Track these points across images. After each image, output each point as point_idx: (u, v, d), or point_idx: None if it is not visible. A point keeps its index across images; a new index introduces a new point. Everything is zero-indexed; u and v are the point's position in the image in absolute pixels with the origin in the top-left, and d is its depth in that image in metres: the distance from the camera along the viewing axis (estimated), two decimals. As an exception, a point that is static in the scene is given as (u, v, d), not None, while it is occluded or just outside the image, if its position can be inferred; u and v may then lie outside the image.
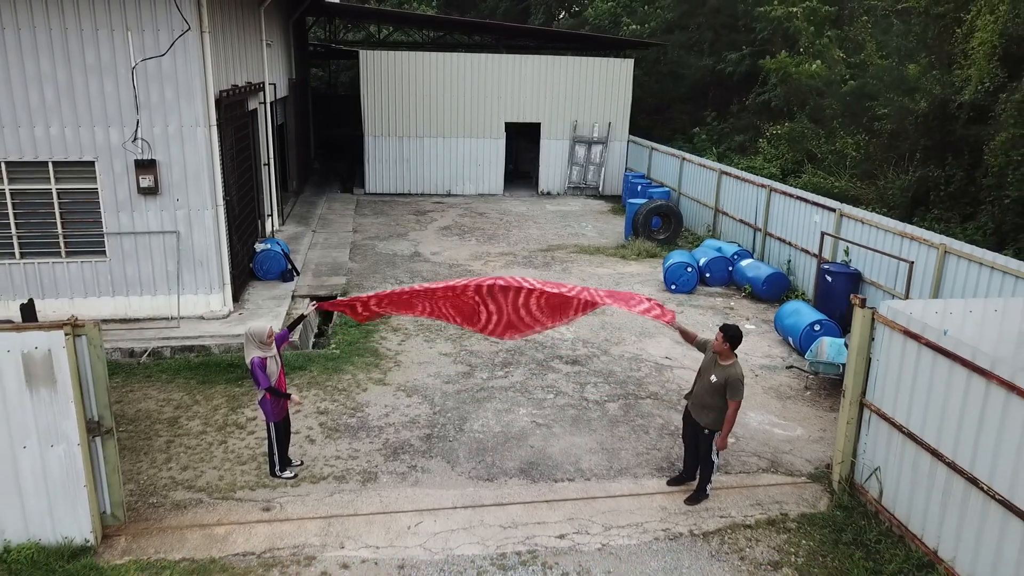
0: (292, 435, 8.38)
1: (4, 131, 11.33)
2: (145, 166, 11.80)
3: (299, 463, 8.27)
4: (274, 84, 19.35)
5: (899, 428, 7.13)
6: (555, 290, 7.54)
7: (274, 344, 7.65)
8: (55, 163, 11.62)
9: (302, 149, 25.94)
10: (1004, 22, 13.51)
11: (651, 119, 28.59)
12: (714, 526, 7.39)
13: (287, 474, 8.04)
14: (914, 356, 6.89)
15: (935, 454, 6.66)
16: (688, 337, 7.83)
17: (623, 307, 7.61)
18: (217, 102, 12.27)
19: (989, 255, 9.83)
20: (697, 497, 7.76)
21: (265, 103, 18.00)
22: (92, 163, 11.71)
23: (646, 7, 28.79)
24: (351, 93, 36.24)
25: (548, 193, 25.24)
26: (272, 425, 7.81)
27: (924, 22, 18.13)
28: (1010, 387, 5.83)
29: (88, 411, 6.62)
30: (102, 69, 11.39)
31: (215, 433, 8.94)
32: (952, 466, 6.45)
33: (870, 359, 7.54)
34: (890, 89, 18.59)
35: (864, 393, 7.64)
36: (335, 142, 33.60)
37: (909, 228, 11.46)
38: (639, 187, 21.08)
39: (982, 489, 6.11)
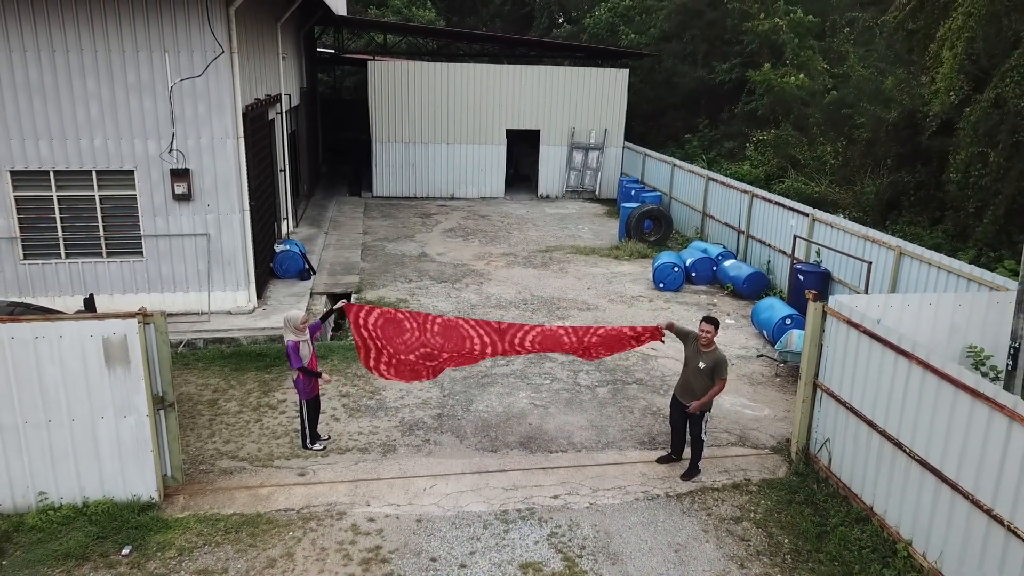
0: (319, 415, 9.58)
1: (53, 143, 12.54)
2: (179, 175, 13.00)
3: (327, 438, 9.47)
4: (288, 95, 20.58)
5: (844, 404, 8.33)
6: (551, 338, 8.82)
7: (308, 330, 8.86)
8: (98, 172, 12.82)
9: (312, 154, 27.17)
10: (970, 37, 14.68)
11: (647, 125, 29.79)
12: (686, 489, 8.59)
13: (317, 446, 9.24)
14: (855, 343, 8.09)
15: (871, 424, 7.86)
16: (667, 327, 8.94)
17: (620, 351, 8.91)
18: (244, 115, 13.46)
19: (938, 257, 11.03)
20: (691, 473, 8.86)
21: (281, 113, 19.22)
22: (132, 172, 12.91)
23: (642, 16, 29.94)
24: (356, 97, 37.41)
25: (547, 197, 26.46)
26: (304, 403, 9.02)
27: (899, 37, 19.31)
28: (925, 366, 7.03)
29: (154, 387, 7.83)
30: (142, 87, 12.59)
31: (251, 413, 10.14)
32: (884, 434, 7.66)
33: (822, 346, 8.74)
34: (867, 100, 19.80)
35: (817, 375, 8.84)
36: (341, 146, 34.73)
37: (871, 232, 12.66)
38: (633, 191, 22.28)
39: (905, 451, 7.32)
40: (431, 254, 18.52)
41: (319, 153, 30.72)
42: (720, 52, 27.15)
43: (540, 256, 18.57)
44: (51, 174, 12.66)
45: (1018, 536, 6.01)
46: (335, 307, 9.28)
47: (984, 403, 6.36)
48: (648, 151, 24.18)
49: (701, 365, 8.50)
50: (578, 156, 26.11)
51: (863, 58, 23.05)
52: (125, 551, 7.22)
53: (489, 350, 8.95)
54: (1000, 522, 6.18)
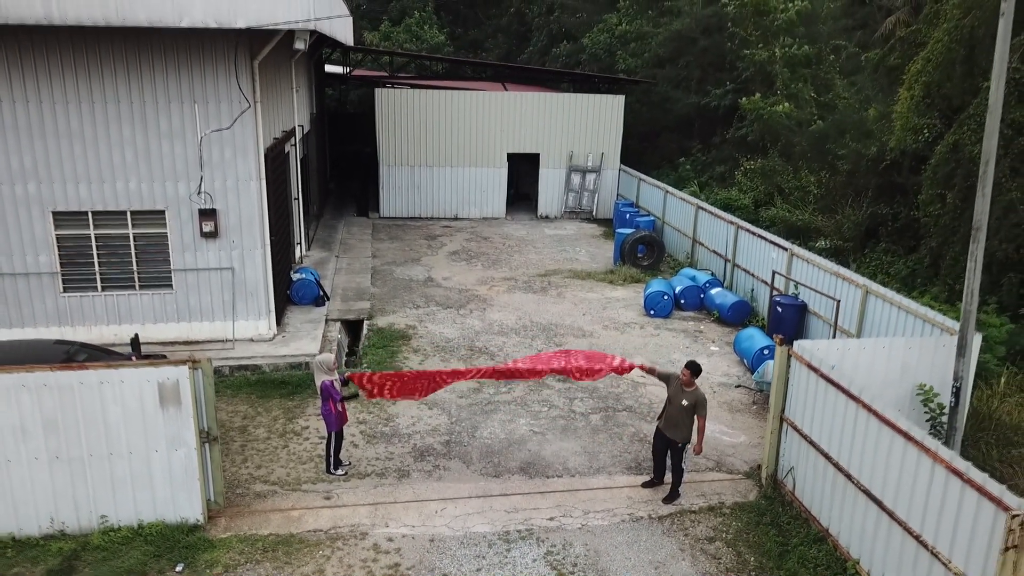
0: (342, 443, 10.70)
1: (92, 186, 13.66)
2: (207, 214, 14.13)
3: (348, 463, 10.61)
4: (301, 125, 21.71)
5: (806, 437, 9.47)
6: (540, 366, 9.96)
7: (336, 371, 10.01)
8: (132, 212, 13.94)
9: (321, 173, 28.28)
10: (927, 82, 15.82)
11: (642, 145, 30.90)
12: (667, 512, 9.73)
13: (339, 472, 10.37)
14: (814, 385, 9.23)
15: (827, 456, 9.00)
16: (649, 371, 10.15)
17: (594, 377, 10.02)
18: (265, 157, 14.59)
19: (899, 298, 12.16)
20: (671, 497, 9.99)
21: (295, 144, 20.34)
22: (163, 212, 14.04)
23: (637, 42, 31.07)
24: (361, 111, 38.45)
25: (546, 217, 27.60)
26: (332, 433, 10.16)
27: (879, 72, 20.48)
28: (869, 409, 8.17)
29: (201, 424, 8.96)
30: (173, 134, 13.72)
31: (278, 439, 11.28)
32: (837, 465, 8.79)
33: (788, 384, 9.87)
34: (851, 130, 20.95)
35: (783, 410, 9.97)
36: (348, 159, 35.58)
37: (841, 270, 13.80)
38: (627, 215, 23.41)
39: (854, 482, 8.46)
40: (437, 278, 19.65)
41: (327, 171, 31.82)
42: (713, 78, 28.28)
43: (539, 280, 19.70)
44: (89, 214, 13.78)
45: (939, 559, 7.14)
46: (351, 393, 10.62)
47: (914, 445, 7.49)
48: (643, 176, 25.32)
49: (684, 403, 9.65)
50: (576, 178, 27.26)
51: (849, 86, 24.23)
52: (179, 568, 8.36)
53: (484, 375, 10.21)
54: (925, 546, 7.32)
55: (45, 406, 8.44)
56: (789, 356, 9.76)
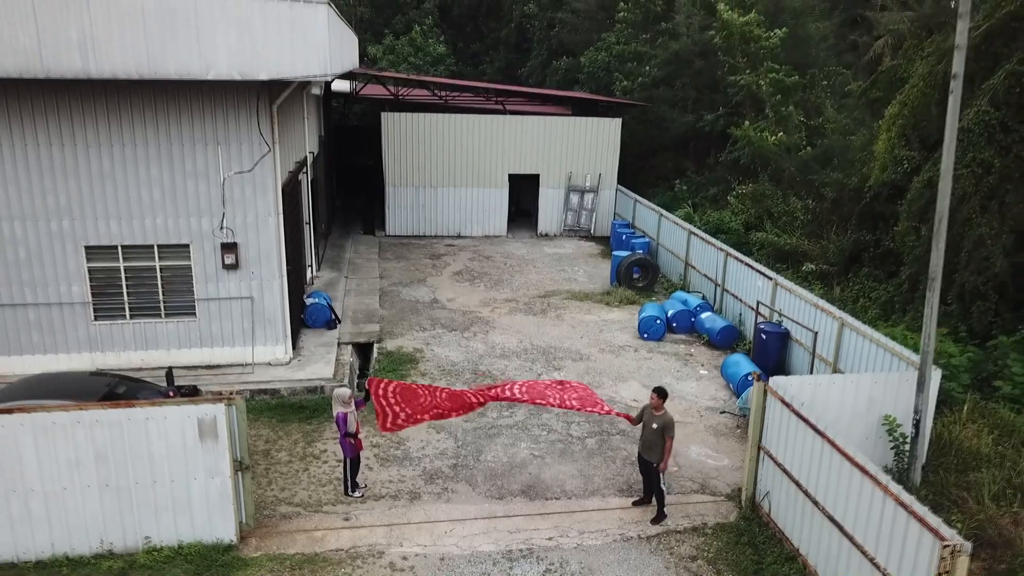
0: (359, 468, 11.69)
1: (121, 222, 14.66)
2: (229, 248, 15.13)
3: (364, 486, 11.60)
4: (312, 152, 22.71)
5: (780, 465, 10.46)
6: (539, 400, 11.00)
7: (353, 403, 11.01)
8: (159, 246, 14.93)
9: (328, 191, 29.26)
10: (903, 124, 16.84)
11: (639, 164, 31.89)
12: (655, 532, 10.74)
13: (356, 494, 11.37)
14: (787, 418, 10.23)
15: (797, 483, 10.00)
16: (626, 417, 11.21)
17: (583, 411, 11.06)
18: (282, 192, 15.58)
19: (870, 331, 13.15)
20: (658, 518, 11.02)
21: (306, 172, 21.34)
22: (187, 246, 15.04)
23: (634, 64, 32.07)
24: (365, 124, 39.36)
25: (546, 235, 28.63)
26: (348, 459, 11.16)
27: (862, 105, 21.48)
28: (832, 443, 9.17)
29: (235, 454, 9.97)
30: (197, 174, 14.72)
31: (299, 462, 12.28)
32: (806, 492, 9.79)
33: (764, 416, 10.87)
34: (838, 157, 21.94)
35: (761, 440, 10.97)
36: (353, 171, 36.31)
37: (820, 301, 14.79)
38: (624, 236, 24.43)
39: (819, 507, 9.45)
40: (442, 300, 20.65)
41: (334, 187, 32.78)
42: (708, 100, 29.28)
43: (539, 302, 20.70)
44: (119, 248, 14.78)
45: (890, 580, 8.15)
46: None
47: (869, 479, 8.50)
48: (639, 197, 26.34)
49: (654, 426, 10.71)
50: (574, 198, 28.27)
51: (840, 110, 25.18)
52: (217, 585, 9.37)
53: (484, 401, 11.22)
54: (878, 567, 8.32)
55: (97, 440, 9.44)
56: (765, 391, 10.75)
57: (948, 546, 7.13)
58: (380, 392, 11.02)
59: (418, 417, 11.04)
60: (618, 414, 11.34)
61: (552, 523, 10.84)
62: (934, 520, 7.51)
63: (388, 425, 11.11)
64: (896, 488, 8.11)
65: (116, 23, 12.36)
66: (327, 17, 13.56)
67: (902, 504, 7.92)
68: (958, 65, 9.30)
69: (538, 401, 10.97)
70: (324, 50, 13.55)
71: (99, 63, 12.62)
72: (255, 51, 12.98)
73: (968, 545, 7.15)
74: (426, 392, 11.13)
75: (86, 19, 12.26)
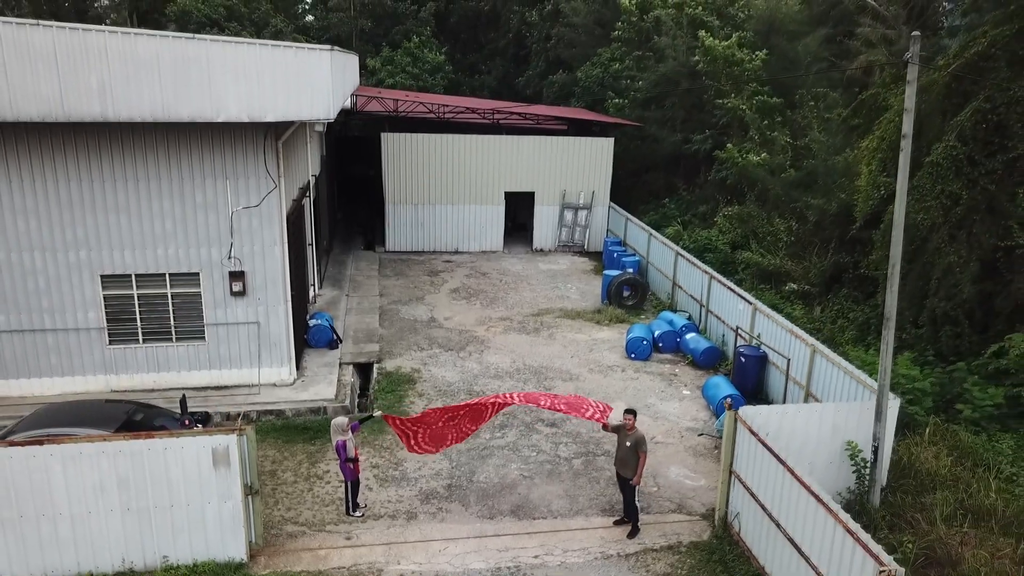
0: (359, 489, 12.56)
1: (135, 252, 15.53)
2: (236, 275, 16.00)
3: (364, 506, 12.47)
4: (314, 175, 23.57)
5: (748, 489, 11.33)
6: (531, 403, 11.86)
7: (351, 430, 11.89)
8: (171, 274, 15.80)
9: (329, 207, 30.12)
10: (882, 158, 17.71)
11: (631, 180, 32.75)
12: (633, 550, 11.61)
13: (357, 514, 12.24)
14: (754, 446, 11.10)
15: (763, 506, 10.87)
16: (605, 427, 12.08)
17: (575, 415, 11.87)
18: (287, 221, 16.43)
19: (837, 358, 14.00)
20: (633, 533, 11.93)
21: (309, 195, 22.19)
22: (197, 274, 15.90)
23: (627, 82, 32.94)
24: (365, 134, 40.11)
25: (541, 250, 29.51)
26: (348, 482, 12.03)
27: (844, 130, 22.33)
28: (791, 472, 10.04)
29: (246, 479, 10.84)
30: (207, 206, 15.58)
31: (303, 483, 13.15)
32: (769, 514, 10.66)
33: (735, 442, 11.74)
34: (821, 180, 22.77)
35: (732, 464, 11.84)
36: (354, 181, 37.03)
37: (795, 328, 15.65)
38: (615, 254, 25.29)
39: (781, 529, 10.32)
40: (439, 319, 21.51)
41: (335, 202, 33.63)
42: (696, 120, 30.13)
43: (532, 321, 21.56)
44: (133, 277, 15.64)
45: (839, 599, 9.02)
46: (373, 415, 12.33)
47: (822, 506, 9.36)
48: (629, 216, 27.22)
49: (628, 444, 11.60)
50: (568, 215, 29.15)
51: (826, 130, 25.95)
52: (229, 600, 10.24)
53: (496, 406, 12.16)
54: (830, 588, 9.20)
55: (120, 468, 10.32)
56: (736, 419, 11.62)
57: (884, 571, 7.99)
58: (398, 424, 11.89)
59: (437, 435, 11.94)
60: (598, 420, 12.02)
61: (538, 542, 11.71)
62: (875, 547, 8.38)
63: (414, 447, 11.99)
64: (845, 516, 8.97)
65: (133, 72, 13.22)
66: (330, 62, 14.41)
67: (848, 531, 8.78)
68: (907, 126, 10.15)
69: (531, 403, 11.89)
70: (327, 94, 14.39)
71: (117, 108, 13.47)
72: (263, 96, 13.85)
73: (902, 571, 8.01)
74: (441, 415, 12.00)
75: (105, 69, 13.12)
